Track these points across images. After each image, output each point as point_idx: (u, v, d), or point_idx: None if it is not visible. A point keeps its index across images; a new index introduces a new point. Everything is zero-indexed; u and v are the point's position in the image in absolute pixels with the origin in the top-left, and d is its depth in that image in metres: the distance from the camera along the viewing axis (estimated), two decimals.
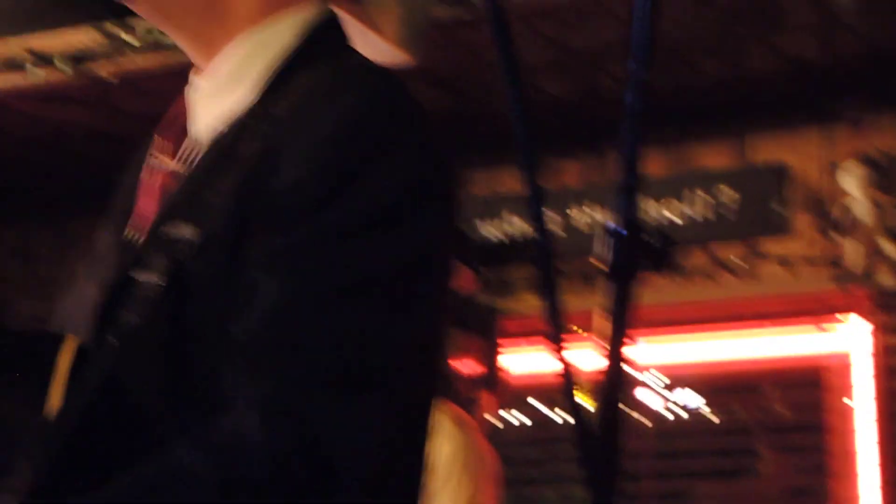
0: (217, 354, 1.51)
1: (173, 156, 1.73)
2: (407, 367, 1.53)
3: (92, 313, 1.61)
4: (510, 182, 6.33)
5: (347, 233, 1.50)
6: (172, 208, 1.62)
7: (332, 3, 1.77)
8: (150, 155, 1.76)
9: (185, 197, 1.62)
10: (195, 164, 1.65)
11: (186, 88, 1.76)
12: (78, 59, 5.49)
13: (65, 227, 7.31)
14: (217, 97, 1.69)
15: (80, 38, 5.49)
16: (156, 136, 1.77)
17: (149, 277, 1.55)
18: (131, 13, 1.77)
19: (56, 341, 1.60)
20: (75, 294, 1.74)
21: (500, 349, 6.18)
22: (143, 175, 1.75)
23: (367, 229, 1.51)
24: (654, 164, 6.05)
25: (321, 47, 1.70)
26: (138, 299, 1.55)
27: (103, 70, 5.48)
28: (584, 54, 5.40)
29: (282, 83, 1.65)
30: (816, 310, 5.97)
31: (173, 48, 1.82)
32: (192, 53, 1.75)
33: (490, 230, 6.42)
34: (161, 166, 1.74)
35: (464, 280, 5.90)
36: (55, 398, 1.58)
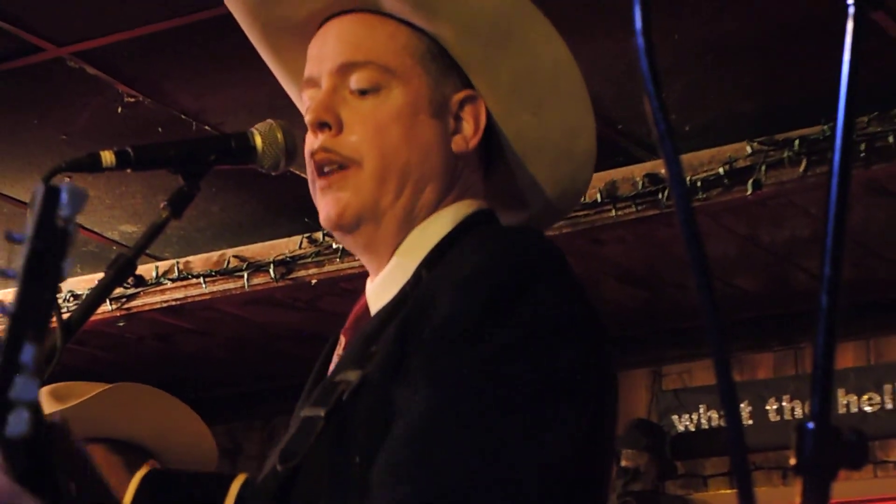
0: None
1: None
2: (542, 483, 1.55)
3: (271, 459, 1.71)
4: (703, 375, 6.25)
5: (498, 356, 1.56)
6: (343, 363, 1.73)
7: (491, 203, 1.87)
8: (336, 354, 1.84)
9: (354, 353, 1.72)
10: (365, 332, 1.75)
11: (367, 288, 1.85)
12: (285, 264, 5.63)
13: (272, 425, 7.41)
14: (388, 289, 1.78)
15: (288, 245, 5.65)
16: (341, 335, 1.84)
17: (314, 412, 1.66)
18: None
19: (228, 480, 1.71)
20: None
21: None
22: (331, 369, 1.82)
23: (508, 357, 1.57)
24: (850, 357, 5.93)
25: (472, 228, 1.78)
26: (303, 431, 1.65)
27: (308, 274, 5.61)
28: (774, 249, 5.35)
29: (438, 258, 1.74)
30: None
31: None
32: (371, 262, 1.85)
33: (684, 423, 6.32)
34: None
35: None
36: None
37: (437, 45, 1.80)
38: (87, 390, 2.89)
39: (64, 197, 1.28)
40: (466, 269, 1.62)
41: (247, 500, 1.68)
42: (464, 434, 1.53)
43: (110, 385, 2.92)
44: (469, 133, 1.81)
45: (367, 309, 1.81)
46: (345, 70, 1.79)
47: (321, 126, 1.78)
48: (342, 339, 1.83)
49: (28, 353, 1.21)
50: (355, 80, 1.79)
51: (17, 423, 1.19)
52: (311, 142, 1.80)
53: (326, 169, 1.78)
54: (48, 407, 2.85)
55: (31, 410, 1.22)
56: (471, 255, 1.65)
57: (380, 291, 1.79)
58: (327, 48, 1.82)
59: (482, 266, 1.62)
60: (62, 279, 1.29)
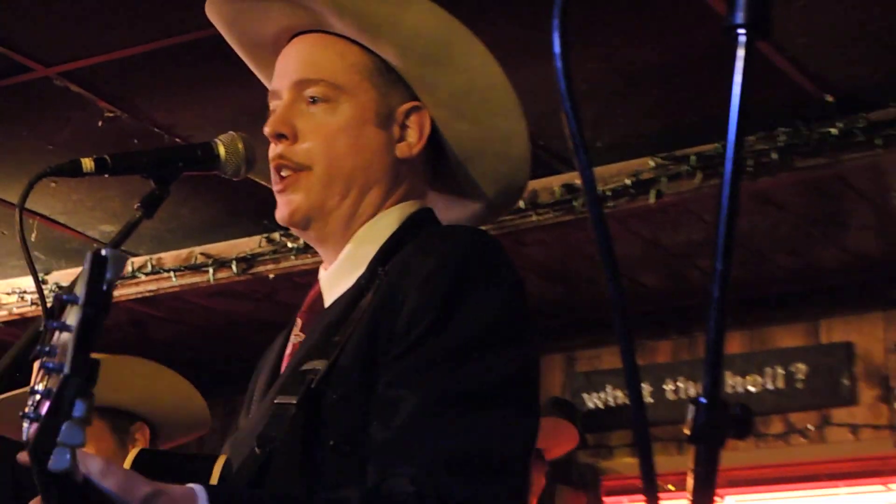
0: (349, 458, 1.58)
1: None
2: (526, 456, 1.60)
3: (244, 440, 1.70)
4: (610, 359, 6.28)
5: (466, 347, 1.58)
6: (308, 352, 1.72)
7: (438, 202, 1.89)
8: (293, 334, 1.84)
9: (318, 343, 1.72)
10: (326, 322, 1.74)
11: (320, 276, 1.85)
12: (246, 260, 5.60)
13: (233, 402, 7.36)
14: (341, 279, 1.79)
15: (249, 244, 5.61)
16: (297, 318, 1.84)
17: (286, 399, 1.64)
18: None
19: (212, 460, 1.68)
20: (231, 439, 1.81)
21: None
22: (288, 349, 1.82)
23: (483, 344, 1.59)
24: (737, 344, 5.97)
25: (418, 227, 1.80)
26: (278, 417, 1.64)
27: (267, 269, 5.58)
28: (674, 250, 5.38)
29: (389, 255, 1.75)
30: (881, 471, 5.80)
31: None
32: (326, 253, 1.85)
33: (593, 400, 6.35)
34: (301, 340, 1.82)
35: (568, 442, 5.83)
36: None
37: (384, 62, 1.81)
38: None
39: (108, 264, 1.28)
40: (425, 268, 1.63)
41: (228, 480, 1.66)
42: (453, 419, 1.54)
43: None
44: (413, 140, 1.82)
45: (320, 295, 1.82)
46: (301, 85, 1.81)
47: (278, 137, 1.80)
48: (298, 321, 1.84)
49: (80, 408, 1.23)
50: (310, 93, 1.80)
51: (59, 460, 1.21)
52: (272, 149, 1.81)
53: (283, 173, 1.80)
54: None
55: (74, 453, 1.24)
56: (426, 256, 1.66)
57: (333, 280, 1.80)
58: (288, 65, 1.84)
59: (439, 264, 1.63)
60: (102, 334, 1.29)
